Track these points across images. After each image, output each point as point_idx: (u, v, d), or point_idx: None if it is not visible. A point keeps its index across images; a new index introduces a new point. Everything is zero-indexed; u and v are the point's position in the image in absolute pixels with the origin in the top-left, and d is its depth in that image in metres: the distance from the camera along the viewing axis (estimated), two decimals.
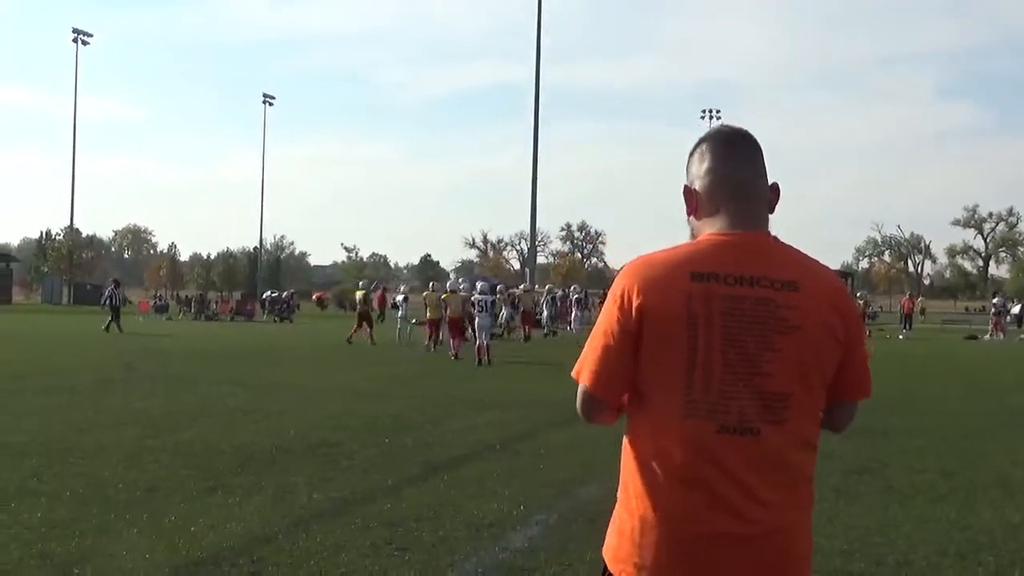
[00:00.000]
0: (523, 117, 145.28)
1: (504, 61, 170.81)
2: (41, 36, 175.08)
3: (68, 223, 63.67)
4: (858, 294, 34.28)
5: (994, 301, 32.54)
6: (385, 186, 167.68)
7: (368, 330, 21.40)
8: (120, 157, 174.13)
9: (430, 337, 19.08)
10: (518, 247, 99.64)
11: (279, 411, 9.25)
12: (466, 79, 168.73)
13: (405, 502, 5.33)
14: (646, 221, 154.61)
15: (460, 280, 20.63)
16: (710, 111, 69.76)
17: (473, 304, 17.53)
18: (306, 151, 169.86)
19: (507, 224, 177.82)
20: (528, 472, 6.33)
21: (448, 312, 17.57)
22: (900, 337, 29.86)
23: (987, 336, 29.97)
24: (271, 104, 73.50)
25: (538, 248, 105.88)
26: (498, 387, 12.08)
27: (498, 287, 25.49)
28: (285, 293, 42.35)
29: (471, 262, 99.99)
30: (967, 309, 64.34)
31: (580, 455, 6.88)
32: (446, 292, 18.05)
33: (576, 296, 24.44)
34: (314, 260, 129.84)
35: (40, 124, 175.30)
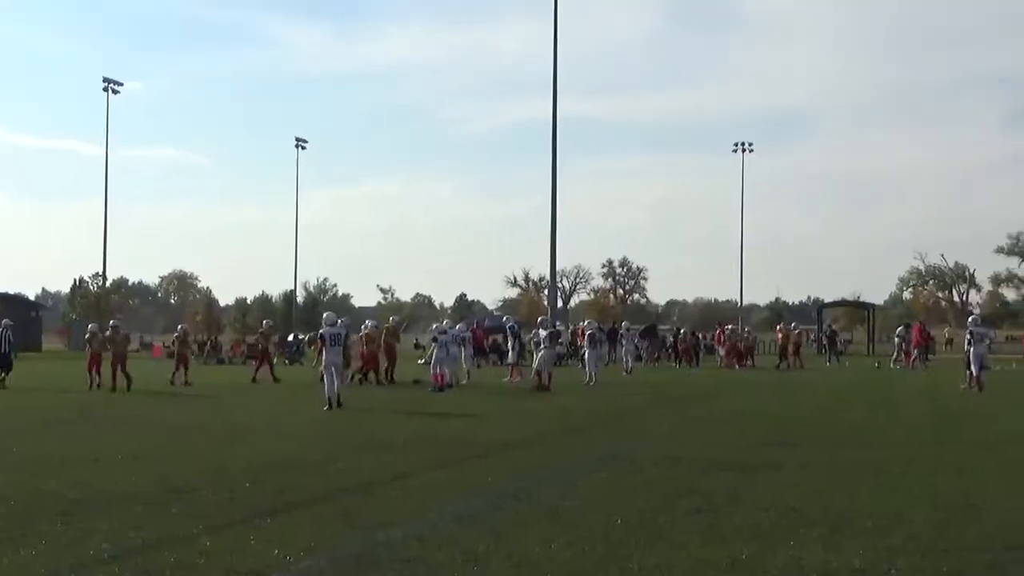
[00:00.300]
0: (568, 153, 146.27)
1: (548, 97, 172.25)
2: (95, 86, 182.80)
3: (101, 269, 66.32)
4: (791, 325, 36.09)
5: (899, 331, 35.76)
6: (429, 226, 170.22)
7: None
8: (176, 202, 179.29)
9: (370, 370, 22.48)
10: (560, 284, 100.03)
11: (175, 453, 9.69)
12: (512, 114, 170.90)
13: (183, 551, 5.64)
14: (688, 256, 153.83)
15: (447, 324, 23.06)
16: (742, 144, 69.61)
17: (434, 339, 21.09)
18: (351, 191, 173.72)
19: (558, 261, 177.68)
20: (332, 518, 6.60)
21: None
22: (892, 366, 32.72)
23: (893, 364, 33.12)
24: (303, 148, 75.64)
25: (579, 285, 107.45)
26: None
27: (510, 325, 27.01)
28: (291, 336, 43.36)
29: (512, 299, 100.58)
30: (1008, 338, 62.31)
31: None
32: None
33: (590, 332, 24.26)
34: (357, 301, 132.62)
35: (99, 173, 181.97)
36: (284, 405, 16.81)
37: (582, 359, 30.45)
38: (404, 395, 19.40)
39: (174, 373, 22.86)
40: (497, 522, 6.51)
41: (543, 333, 21.67)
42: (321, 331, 16.84)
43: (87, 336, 22.26)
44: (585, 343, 24.33)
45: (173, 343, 25.15)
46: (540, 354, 21.12)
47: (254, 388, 21.53)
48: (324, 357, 16.17)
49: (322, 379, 16.39)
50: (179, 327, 26.30)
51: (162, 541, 5.85)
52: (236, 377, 25.16)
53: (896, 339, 35.00)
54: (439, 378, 20.51)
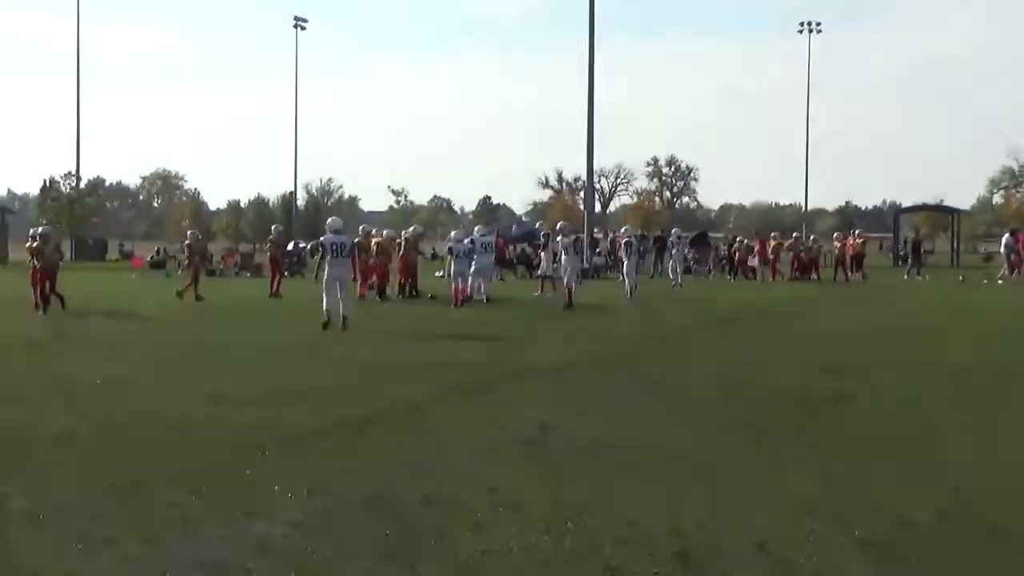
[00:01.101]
0: (610, 34, 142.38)
1: None
2: None
3: (75, 168, 66.20)
4: (854, 232, 36.06)
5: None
6: (448, 121, 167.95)
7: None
8: (159, 92, 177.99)
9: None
10: (598, 185, 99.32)
11: (158, 384, 9.83)
12: None
13: (176, 492, 5.75)
14: (745, 154, 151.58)
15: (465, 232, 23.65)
16: (809, 23, 67.76)
17: (449, 250, 21.25)
18: (359, 78, 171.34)
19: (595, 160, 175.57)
20: (339, 455, 6.67)
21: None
22: (999, 281, 31.50)
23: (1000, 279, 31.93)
24: (303, 28, 74.40)
25: (620, 186, 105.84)
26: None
27: (543, 232, 27.81)
28: (291, 244, 43.70)
29: (544, 204, 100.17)
30: None
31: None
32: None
33: (626, 239, 24.14)
34: (366, 204, 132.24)
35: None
36: (284, 325, 16.93)
37: (622, 271, 30.38)
38: (419, 313, 19.53)
39: (188, 286, 22.79)
40: (530, 459, 6.54)
41: (565, 240, 21.40)
42: (322, 238, 16.45)
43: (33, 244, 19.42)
44: (622, 252, 24.19)
45: (183, 250, 25.17)
46: (565, 266, 21.16)
47: (256, 305, 21.51)
48: (326, 270, 15.67)
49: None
50: (188, 232, 26.20)
51: (152, 480, 5.94)
52: (229, 292, 25.34)
53: (1003, 250, 34.28)
54: (459, 293, 20.70)
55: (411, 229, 26.36)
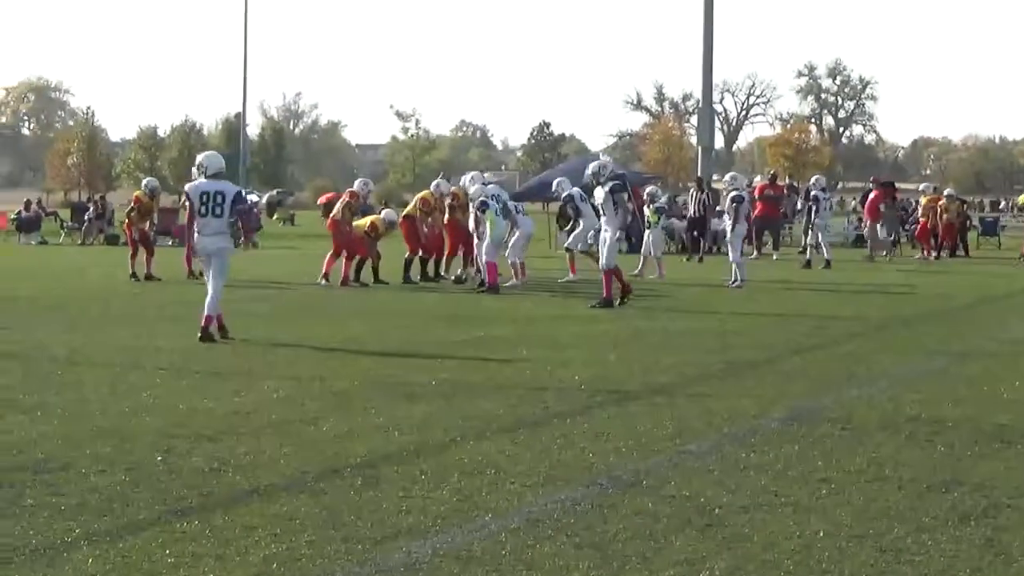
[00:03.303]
0: None
1: None
2: None
3: None
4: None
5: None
6: (481, 9, 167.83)
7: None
8: None
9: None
10: (720, 107, 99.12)
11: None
12: None
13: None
14: (949, 66, 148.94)
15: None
16: None
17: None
18: None
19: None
20: (291, 525, 6.47)
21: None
22: None
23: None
24: None
25: (753, 110, 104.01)
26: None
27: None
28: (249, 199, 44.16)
29: (631, 136, 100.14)
30: None
31: None
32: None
33: (733, 191, 24.05)
34: (355, 135, 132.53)
35: None
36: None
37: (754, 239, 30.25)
38: (437, 300, 19.47)
39: (133, 257, 23.83)
40: (608, 534, 6.50)
41: (601, 193, 19.45)
42: (189, 186, 15.16)
43: None
44: (728, 214, 24.43)
45: (129, 216, 25.34)
46: (647, 236, 22.36)
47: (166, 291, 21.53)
48: (196, 238, 14.75)
49: (199, 276, 16.21)
50: (145, 182, 27.01)
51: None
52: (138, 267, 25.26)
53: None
54: (492, 269, 21.60)
55: (441, 177, 27.64)
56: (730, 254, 23.80)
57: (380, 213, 24.79)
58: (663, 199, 32.47)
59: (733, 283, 23.07)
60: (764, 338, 15.47)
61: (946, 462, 8.21)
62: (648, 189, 28.99)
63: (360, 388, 11.15)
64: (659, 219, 27.10)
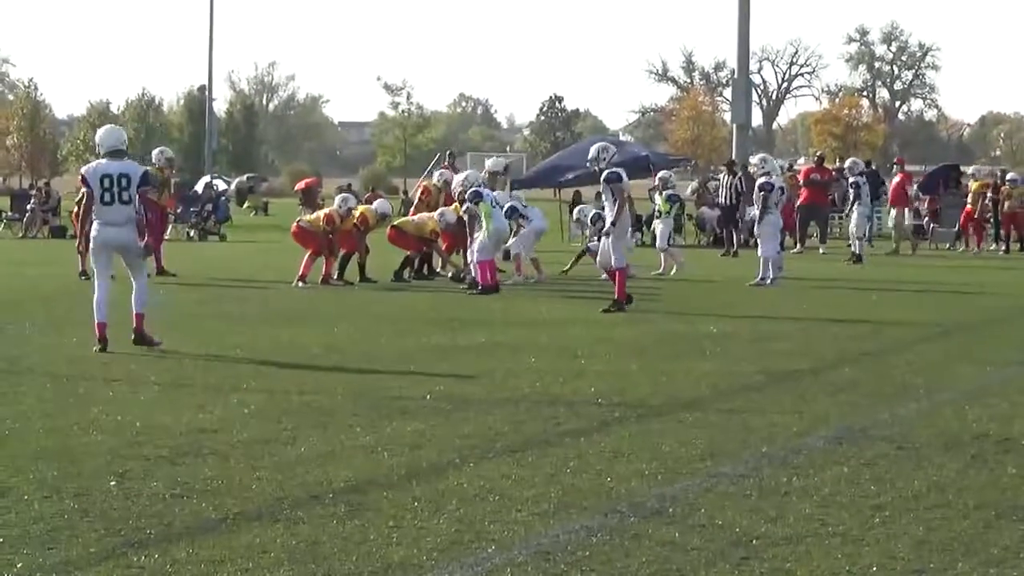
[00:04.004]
0: None
1: None
2: None
3: None
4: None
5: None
6: None
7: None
8: None
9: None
10: (759, 80, 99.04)
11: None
12: None
13: None
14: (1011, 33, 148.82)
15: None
16: None
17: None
18: None
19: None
20: None
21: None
22: None
23: None
24: None
25: (796, 80, 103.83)
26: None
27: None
28: (200, 184, 44.38)
29: (656, 111, 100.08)
30: None
31: None
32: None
33: (762, 178, 24.05)
34: (338, 111, 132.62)
35: None
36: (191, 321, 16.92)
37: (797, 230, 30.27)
38: (432, 301, 19.45)
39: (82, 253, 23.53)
40: (629, 569, 6.49)
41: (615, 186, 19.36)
42: (86, 168, 14.97)
43: None
44: (756, 200, 24.55)
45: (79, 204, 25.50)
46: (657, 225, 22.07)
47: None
48: (94, 228, 14.33)
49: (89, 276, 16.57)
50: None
51: None
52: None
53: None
54: (486, 269, 21.61)
55: (445, 154, 27.87)
56: (759, 248, 23.79)
57: (372, 203, 24.68)
58: (691, 185, 32.56)
59: (759, 281, 22.95)
60: (808, 344, 15.45)
61: (1018, 486, 8.20)
62: (660, 174, 29.14)
63: (344, 402, 11.13)
64: (671, 208, 27.12)
